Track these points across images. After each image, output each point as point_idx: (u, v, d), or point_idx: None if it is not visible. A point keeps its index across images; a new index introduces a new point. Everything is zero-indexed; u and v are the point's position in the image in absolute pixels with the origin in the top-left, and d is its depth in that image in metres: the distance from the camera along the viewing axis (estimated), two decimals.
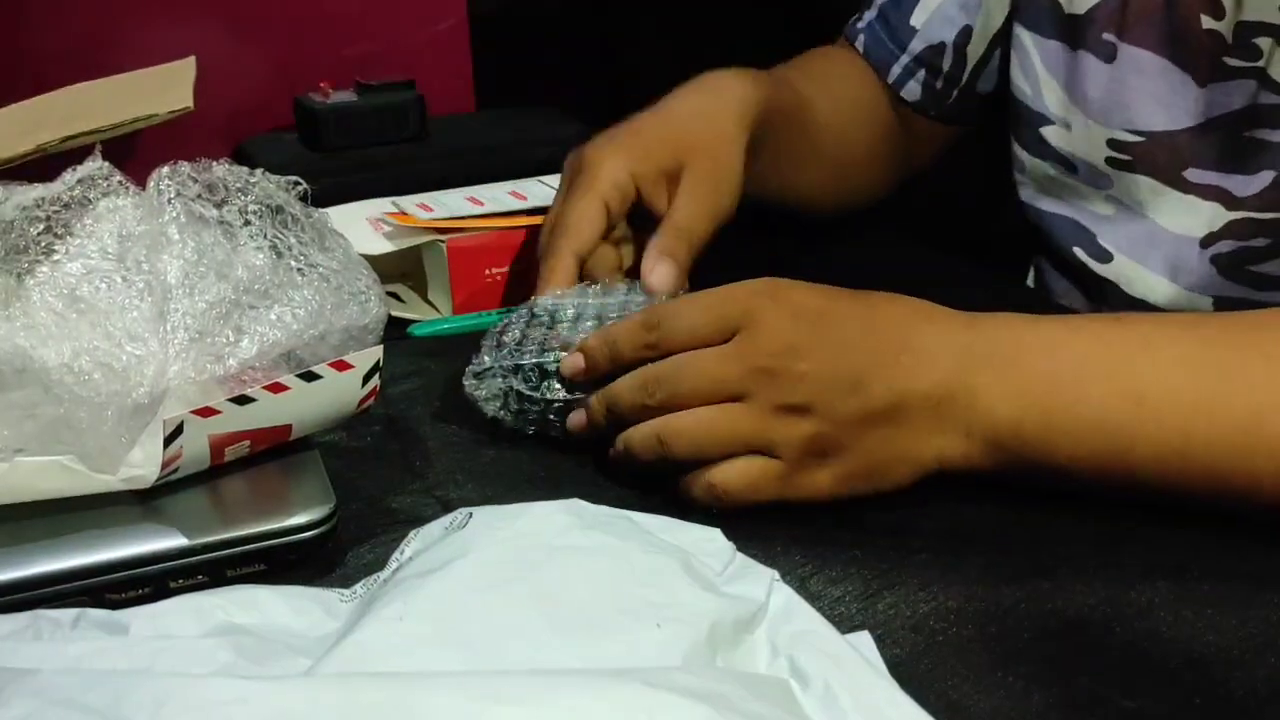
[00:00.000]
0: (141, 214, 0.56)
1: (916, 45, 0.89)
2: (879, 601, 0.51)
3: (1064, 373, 0.54)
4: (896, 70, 0.91)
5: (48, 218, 0.55)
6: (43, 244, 0.55)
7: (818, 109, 0.87)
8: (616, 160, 0.72)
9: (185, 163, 0.58)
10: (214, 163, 0.59)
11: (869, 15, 0.93)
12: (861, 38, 0.92)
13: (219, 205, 0.57)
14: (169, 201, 0.56)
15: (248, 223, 0.57)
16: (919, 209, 1.00)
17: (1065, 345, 0.55)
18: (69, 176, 0.56)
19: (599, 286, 0.67)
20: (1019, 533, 0.55)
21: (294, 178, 0.61)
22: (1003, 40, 0.87)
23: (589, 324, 0.63)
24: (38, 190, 0.56)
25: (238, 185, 0.58)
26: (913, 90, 0.91)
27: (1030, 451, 0.55)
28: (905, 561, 0.53)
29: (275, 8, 1.06)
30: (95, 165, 0.57)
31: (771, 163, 0.80)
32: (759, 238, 0.83)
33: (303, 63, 1.06)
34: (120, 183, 0.57)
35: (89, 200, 0.56)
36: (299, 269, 0.57)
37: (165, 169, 0.57)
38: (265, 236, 0.57)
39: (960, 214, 1.07)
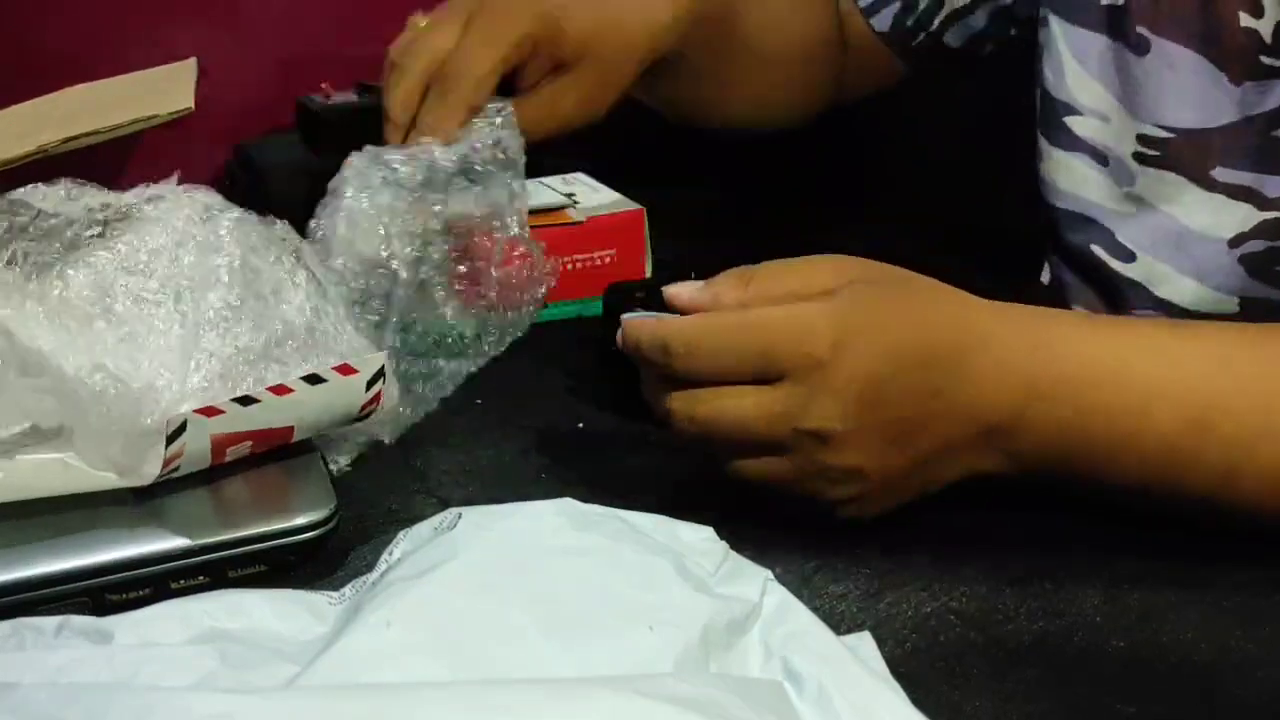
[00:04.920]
0: (198, 244, 0.56)
1: None
2: (880, 601, 0.51)
3: (1130, 403, 0.52)
4: None
5: (105, 223, 0.56)
6: (94, 247, 0.55)
7: (750, 10, 0.84)
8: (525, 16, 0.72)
9: (254, 213, 0.59)
10: (276, 221, 0.60)
11: None
12: None
13: (278, 259, 0.58)
14: (227, 243, 0.57)
15: (297, 285, 0.58)
16: (929, 199, 1.00)
17: (1134, 371, 0.53)
18: (141, 189, 0.58)
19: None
20: (1021, 535, 0.55)
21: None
22: (969, 12, 0.86)
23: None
24: (106, 195, 0.57)
25: (292, 245, 0.59)
26: (883, 21, 0.88)
27: (1073, 474, 0.54)
28: (907, 561, 0.53)
29: (276, 8, 1.05)
30: (169, 186, 0.58)
31: (692, 82, 0.79)
32: (762, 227, 0.83)
33: (303, 63, 1.06)
34: (188, 210, 0.57)
35: (153, 218, 0.57)
36: (335, 334, 0.58)
37: (235, 214, 0.58)
38: (309, 299, 0.58)
39: (973, 205, 1.06)
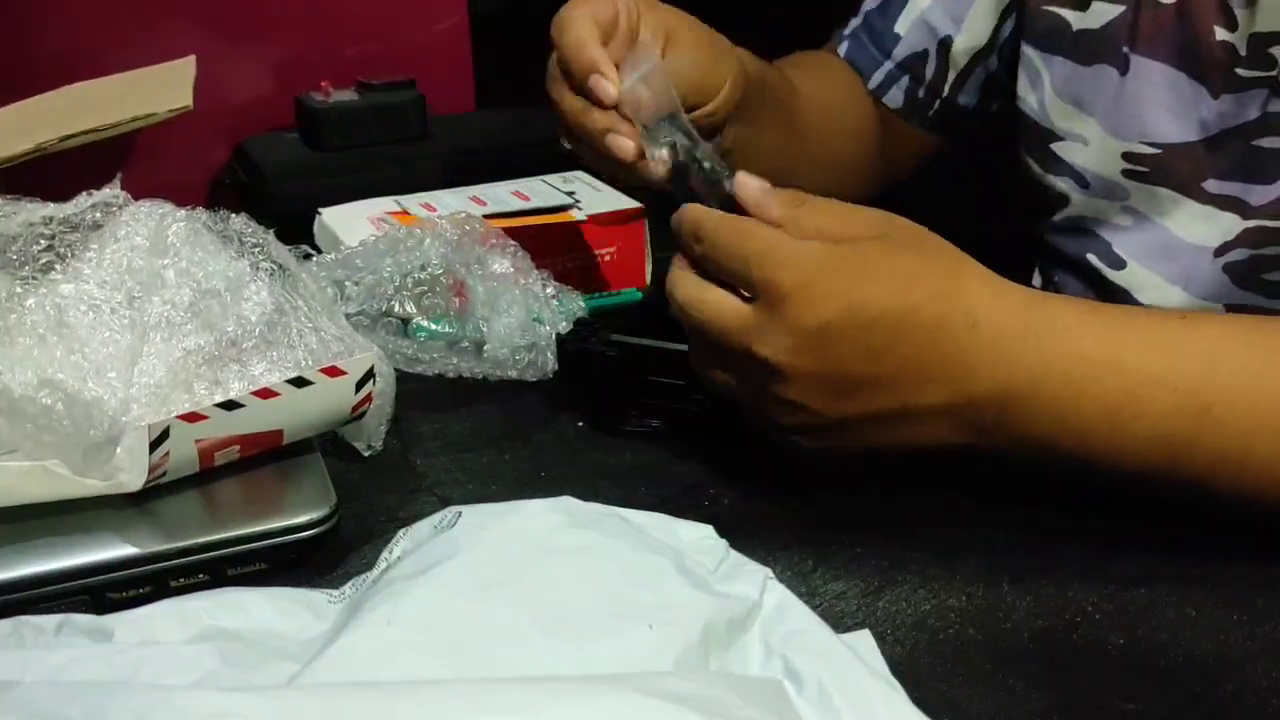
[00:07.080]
0: (148, 248, 0.56)
1: (900, 52, 0.89)
2: (879, 599, 0.51)
3: (1127, 390, 0.52)
4: (879, 77, 0.90)
5: (53, 236, 0.55)
6: (42, 262, 0.55)
7: (806, 97, 0.86)
8: None
9: (203, 209, 0.58)
10: (232, 215, 0.59)
11: (854, 23, 0.93)
12: (845, 44, 0.92)
13: (236, 257, 0.57)
14: (175, 245, 0.56)
15: (257, 278, 0.57)
16: (918, 207, 1.00)
17: (1132, 360, 0.53)
18: (83, 199, 0.57)
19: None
20: (1020, 533, 0.55)
21: (304, 247, 0.63)
22: (983, 58, 0.87)
23: None
24: (49, 209, 0.56)
25: (253, 241, 0.58)
26: (895, 98, 0.90)
27: (1062, 460, 0.53)
28: (906, 560, 0.53)
29: (276, 8, 1.06)
30: (112, 193, 0.57)
31: (750, 133, 0.78)
32: None
33: (303, 62, 1.06)
34: (134, 213, 0.56)
35: (99, 225, 0.56)
36: (299, 329, 0.57)
37: (182, 212, 0.57)
38: (271, 293, 0.57)
39: (961, 212, 1.06)
